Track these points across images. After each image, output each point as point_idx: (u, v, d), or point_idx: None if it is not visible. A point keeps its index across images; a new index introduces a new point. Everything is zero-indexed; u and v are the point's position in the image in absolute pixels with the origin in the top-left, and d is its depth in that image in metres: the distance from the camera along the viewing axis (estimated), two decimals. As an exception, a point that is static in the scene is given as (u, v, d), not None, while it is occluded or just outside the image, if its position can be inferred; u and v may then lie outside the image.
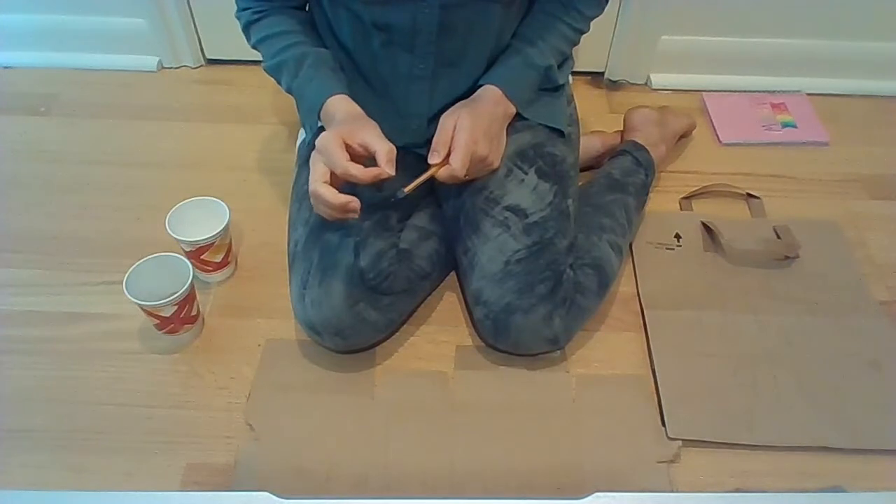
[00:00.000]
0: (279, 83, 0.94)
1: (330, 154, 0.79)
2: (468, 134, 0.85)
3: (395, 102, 0.95)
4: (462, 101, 0.91)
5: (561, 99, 1.02)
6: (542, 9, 0.95)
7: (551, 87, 0.99)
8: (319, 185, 0.80)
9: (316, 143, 0.81)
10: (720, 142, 1.31)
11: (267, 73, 0.95)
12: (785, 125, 1.34)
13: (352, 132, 0.81)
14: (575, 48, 1.00)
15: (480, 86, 0.92)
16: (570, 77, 1.09)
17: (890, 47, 1.39)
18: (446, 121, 0.87)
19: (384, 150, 0.79)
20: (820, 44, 1.39)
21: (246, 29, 0.94)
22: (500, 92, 0.91)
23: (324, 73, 0.90)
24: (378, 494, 0.83)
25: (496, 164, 0.92)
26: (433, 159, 0.85)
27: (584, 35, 0.98)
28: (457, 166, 0.84)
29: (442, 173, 0.85)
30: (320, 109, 0.88)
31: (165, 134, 1.31)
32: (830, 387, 0.93)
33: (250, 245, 1.11)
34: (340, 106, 0.87)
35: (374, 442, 0.87)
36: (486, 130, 0.88)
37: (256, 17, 0.92)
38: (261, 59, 0.95)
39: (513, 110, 0.94)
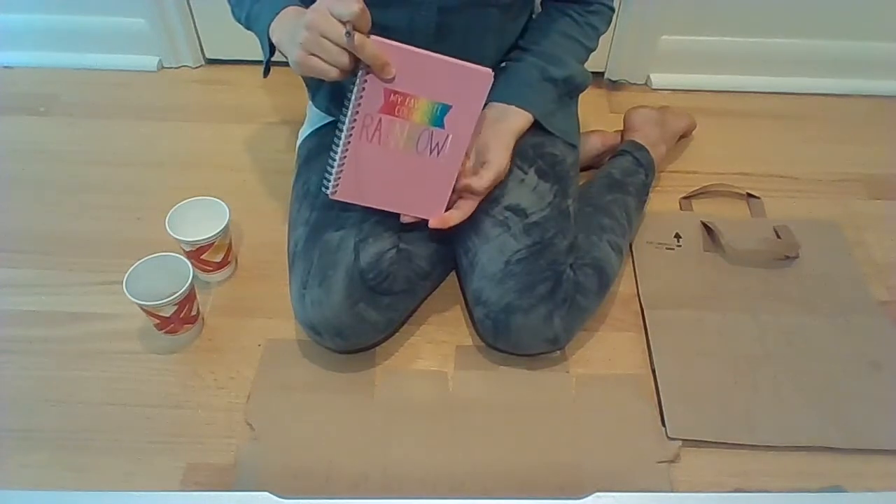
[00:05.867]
0: (240, 22, 0.89)
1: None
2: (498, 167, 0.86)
3: None
4: (489, 122, 0.89)
5: (574, 107, 1.02)
6: (555, 28, 0.94)
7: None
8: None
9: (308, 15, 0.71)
10: None
11: (236, 21, 0.90)
12: None
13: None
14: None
15: (496, 101, 0.91)
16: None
17: (890, 47, 1.39)
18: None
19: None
20: (820, 44, 1.39)
21: None
22: (529, 115, 0.91)
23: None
24: (378, 494, 0.82)
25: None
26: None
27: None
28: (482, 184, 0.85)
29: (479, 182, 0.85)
30: (272, 23, 0.80)
31: (165, 134, 1.31)
32: (830, 387, 0.93)
33: (250, 245, 1.11)
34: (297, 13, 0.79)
35: (374, 442, 0.87)
36: (508, 147, 0.88)
37: None
38: (260, 57, 0.94)
39: (530, 120, 0.92)
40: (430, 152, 0.81)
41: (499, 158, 0.86)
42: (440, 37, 0.87)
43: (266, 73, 0.88)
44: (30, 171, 1.23)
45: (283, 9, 0.81)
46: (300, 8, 0.81)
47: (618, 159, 1.13)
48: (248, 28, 0.90)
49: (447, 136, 0.80)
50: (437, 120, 0.79)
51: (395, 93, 0.76)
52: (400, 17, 0.85)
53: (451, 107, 0.78)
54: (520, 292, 0.88)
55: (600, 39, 0.98)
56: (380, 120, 0.78)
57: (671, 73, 1.44)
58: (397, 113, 0.77)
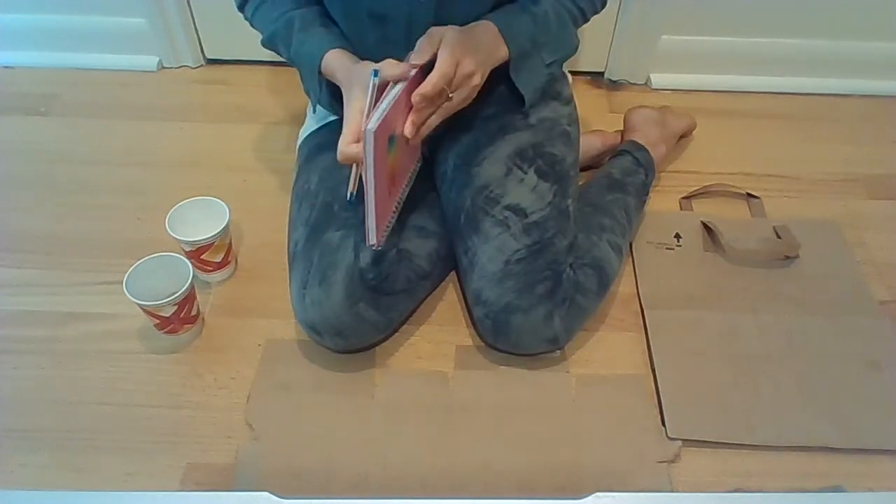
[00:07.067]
0: (280, 55, 0.95)
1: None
2: (452, 48, 0.80)
3: None
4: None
5: (551, 75, 0.99)
6: None
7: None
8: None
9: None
10: None
11: (265, 47, 0.95)
12: None
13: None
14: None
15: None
16: (570, 77, 1.09)
17: (890, 47, 1.39)
18: (434, 30, 0.83)
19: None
20: (820, 44, 1.39)
21: (241, 7, 0.95)
22: (495, 28, 0.87)
23: (312, 33, 0.89)
24: (378, 494, 0.83)
25: (480, 83, 0.84)
26: (416, 59, 0.81)
27: (586, 33, 0.97)
28: (435, 80, 0.79)
29: (424, 87, 0.79)
30: (320, 71, 0.88)
31: (165, 134, 1.31)
32: (830, 387, 0.93)
33: (250, 245, 1.11)
34: (335, 62, 0.86)
35: (374, 442, 0.87)
36: (473, 48, 0.83)
37: None
38: (260, 57, 0.95)
39: (503, 52, 0.87)
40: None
41: (441, 62, 0.80)
42: (437, 27, 0.87)
43: (314, 108, 0.96)
44: (30, 171, 1.23)
45: (322, 55, 0.86)
46: (339, 58, 0.86)
47: (618, 159, 1.13)
48: (289, 62, 0.93)
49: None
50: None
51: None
52: (399, 7, 0.85)
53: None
54: (519, 292, 0.88)
55: (593, 19, 0.97)
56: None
57: (671, 73, 1.44)
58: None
